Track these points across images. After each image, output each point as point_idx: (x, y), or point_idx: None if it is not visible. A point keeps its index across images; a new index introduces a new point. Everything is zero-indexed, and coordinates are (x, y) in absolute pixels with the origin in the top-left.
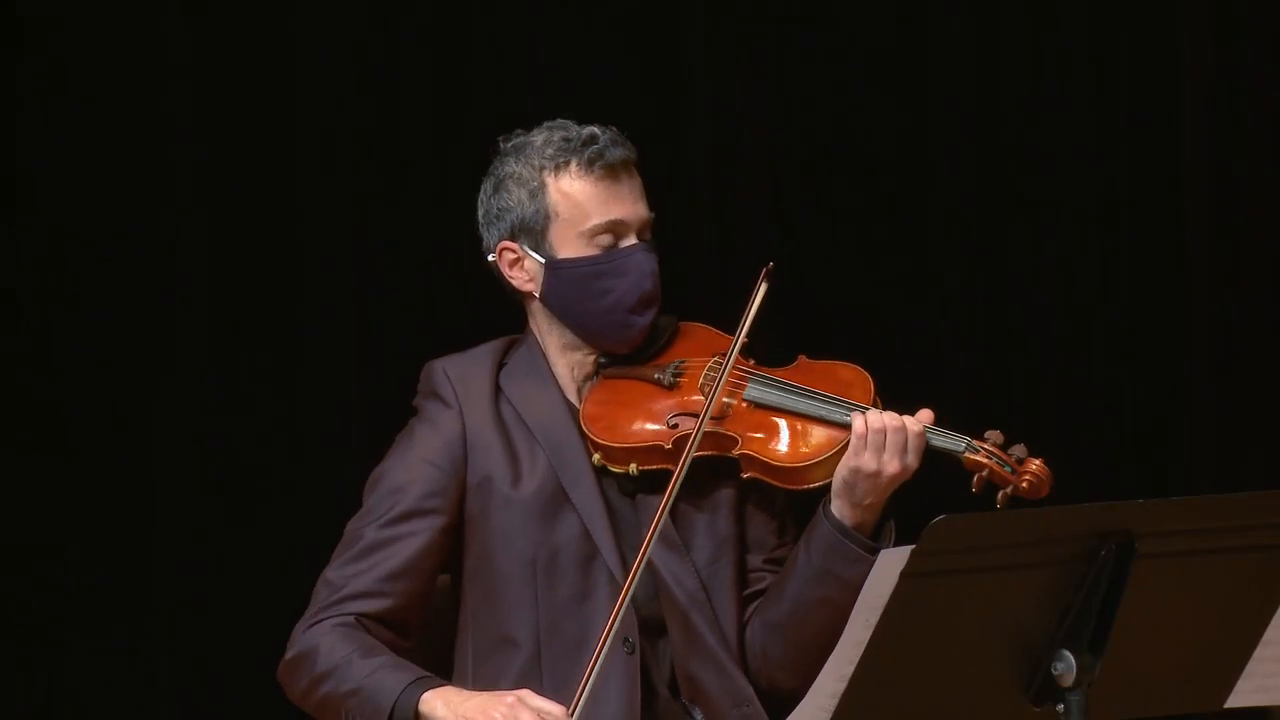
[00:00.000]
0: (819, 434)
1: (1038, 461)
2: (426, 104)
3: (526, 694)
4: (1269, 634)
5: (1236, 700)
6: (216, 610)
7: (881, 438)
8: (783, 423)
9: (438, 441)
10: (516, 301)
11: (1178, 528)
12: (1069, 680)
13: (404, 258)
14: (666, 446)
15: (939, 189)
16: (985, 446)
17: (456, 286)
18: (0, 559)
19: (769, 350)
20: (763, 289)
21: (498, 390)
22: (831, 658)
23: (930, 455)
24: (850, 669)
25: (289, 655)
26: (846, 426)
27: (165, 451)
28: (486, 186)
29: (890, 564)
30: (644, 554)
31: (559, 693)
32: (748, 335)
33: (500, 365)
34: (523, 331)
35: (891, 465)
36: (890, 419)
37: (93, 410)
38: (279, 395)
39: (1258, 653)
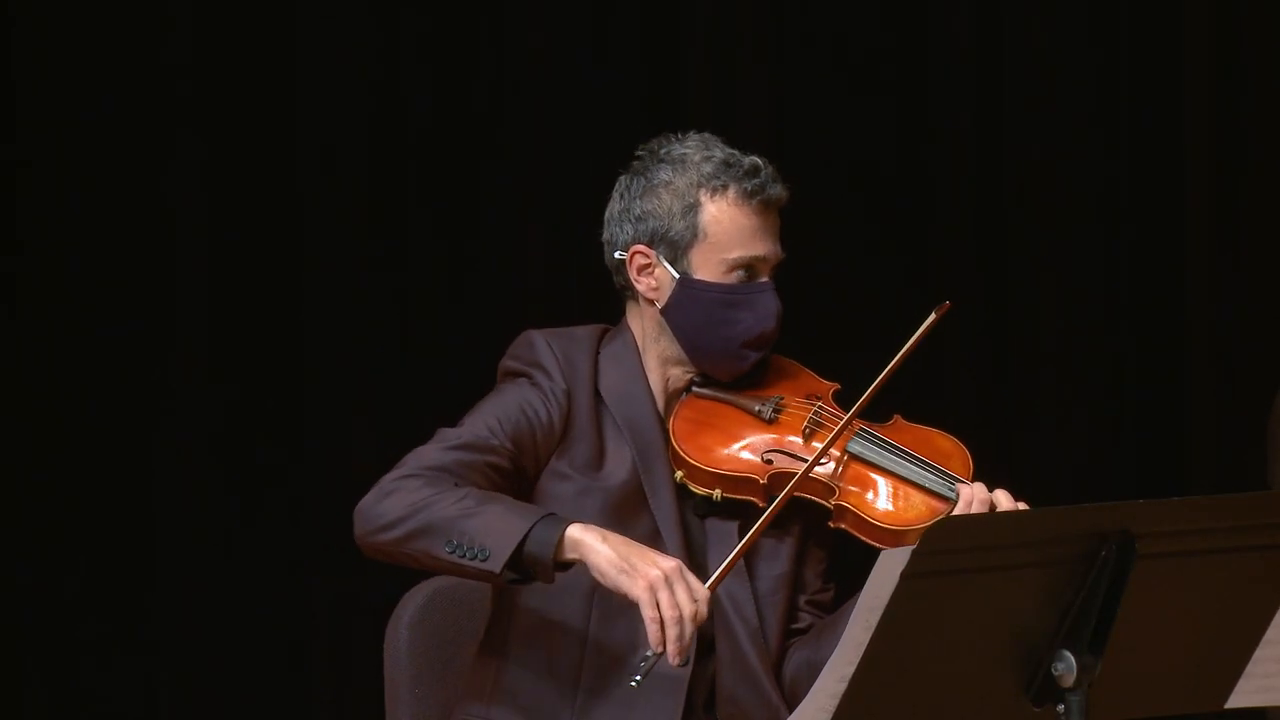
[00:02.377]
0: (919, 501)
1: None
2: (428, 100)
3: (682, 566)
4: (1269, 634)
5: (1237, 700)
6: (217, 613)
7: (985, 508)
8: (883, 482)
9: (541, 406)
10: (620, 299)
11: (1178, 528)
12: (1069, 680)
13: (405, 258)
14: (761, 481)
15: (938, 192)
16: None
17: (456, 283)
18: (1, 562)
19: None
20: (928, 322)
21: (596, 379)
22: (832, 658)
23: None
24: (850, 669)
25: (377, 489)
26: (947, 499)
27: (165, 452)
28: (633, 185)
29: (890, 564)
30: (740, 552)
31: (593, 692)
32: (896, 369)
33: (597, 353)
34: (616, 324)
35: None
36: (1005, 499)
37: (92, 413)
38: (280, 397)
39: (1258, 653)
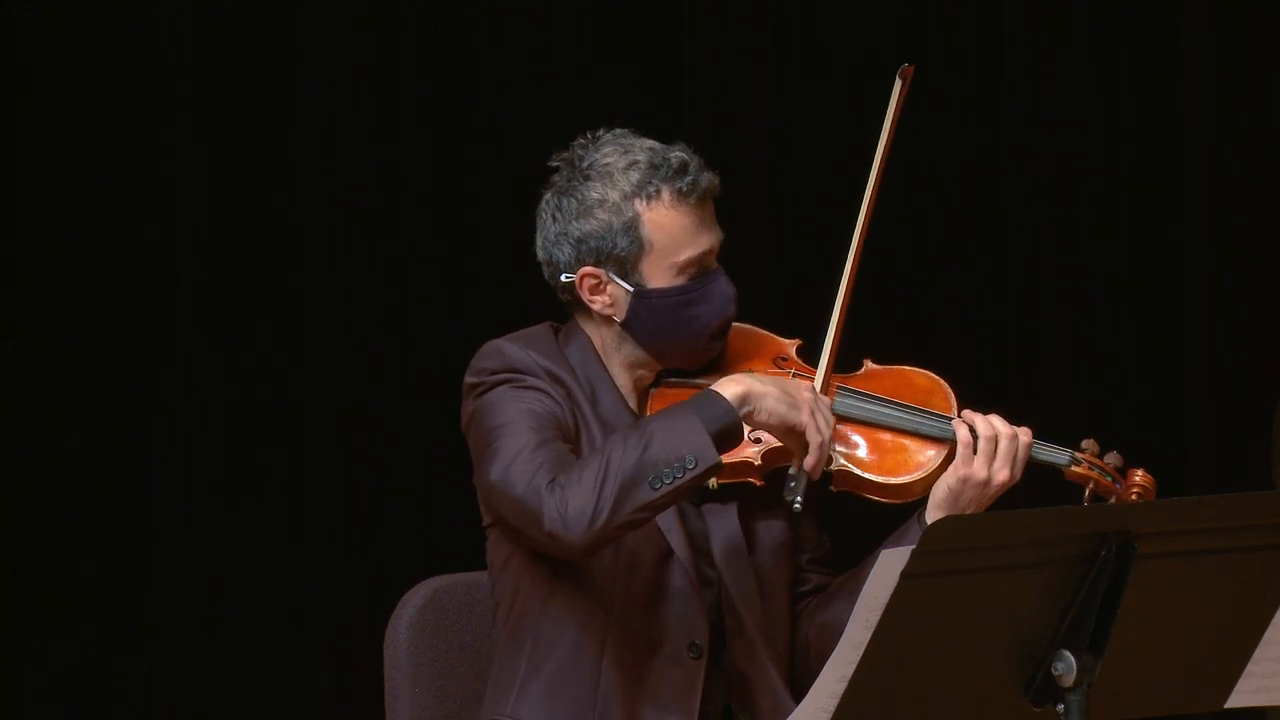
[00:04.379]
0: (917, 448)
1: (1141, 471)
2: (427, 99)
3: (818, 394)
4: (1269, 634)
5: (1237, 700)
6: (218, 612)
7: (993, 446)
8: (878, 437)
9: (549, 401)
10: (567, 310)
11: (1178, 528)
12: (1069, 680)
13: (404, 259)
14: (755, 462)
15: (939, 193)
16: (1086, 458)
17: (456, 284)
18: (1, 556)
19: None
20: (896, 90)
21: (575, 377)
22: (832, 658)
23: (1033, 469)
24: (851, 669)
25: (552, 500)
26: (944, 440)
27: (166, 451)
28: (564, 206)
29: (890, 564)
30: (830, 360)
31: (614, 689)
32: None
33: (562, 354)
34: (562, 320)
35: (1001, 474)
36: (1002, 425)
37: (93, 411)
38: (280, 397)
39: (1258, 653)
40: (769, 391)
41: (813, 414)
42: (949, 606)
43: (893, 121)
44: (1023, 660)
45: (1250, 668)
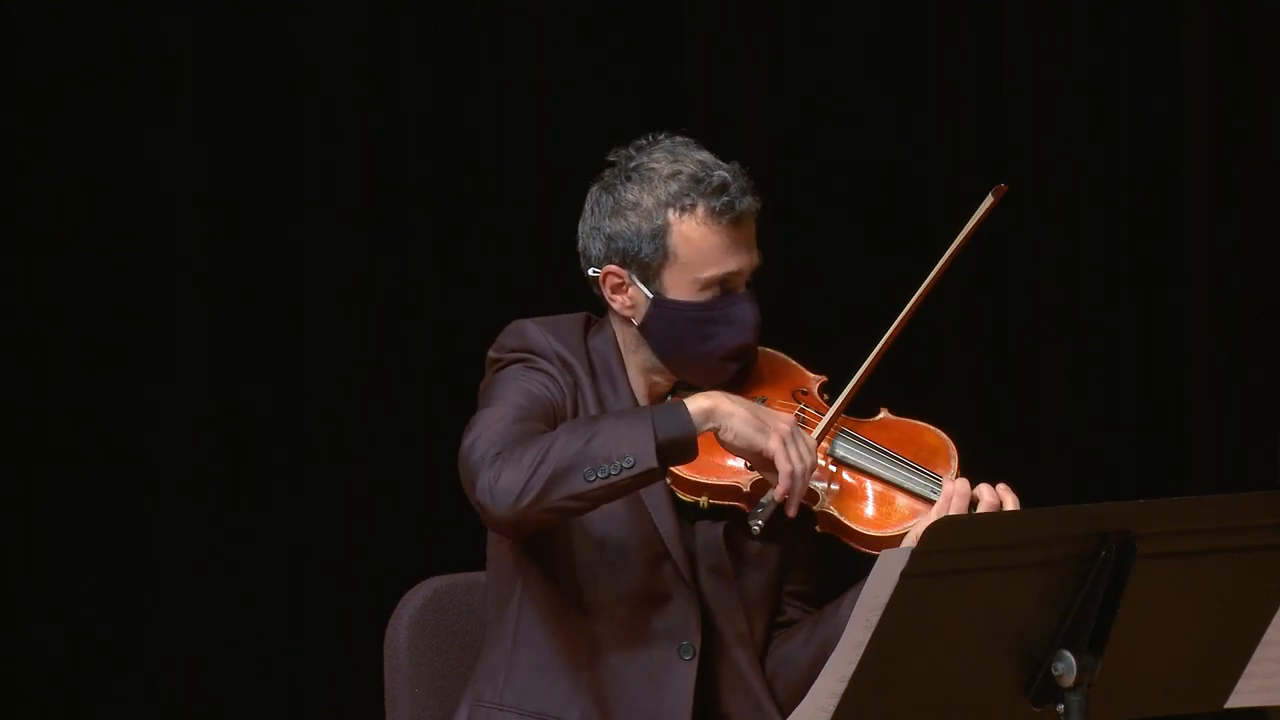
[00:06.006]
0: (904, 504)
1: None
2: (426, 97)
3: (794, 420)
4: (1269, 634)
5: (1237, 700)
6: (217, 613)
7: (965, 503)
8: (868, 485)
9: (551, 386)
10: (598, 298)
11: (1178, 528)
12: (1069, 680)
13: (404, 259)
14: (745, 489)
15: (940, 193)
16: None
17: (455, 284)
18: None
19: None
20: (985, 204)
21: (591, 368)
22: (832, 658)
23: None
24: (851, 669)
25: (488, 471)
26: (930, 501)
27: (165, 451)
28: (602, 201)
29: (890, 564)
30: (838, 410)
31: (605, 674)
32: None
33: (586, 345)
34: (597, 311)
35: None
36: (986, 491)
37: (91, 414)
38: (280, 398)
39: (1258, 653)
40: (737, 412)
41: (784, 444)
42: (949, 606)
43: (973, 227)
44: (1023, 660)
45: (1250, 668)
